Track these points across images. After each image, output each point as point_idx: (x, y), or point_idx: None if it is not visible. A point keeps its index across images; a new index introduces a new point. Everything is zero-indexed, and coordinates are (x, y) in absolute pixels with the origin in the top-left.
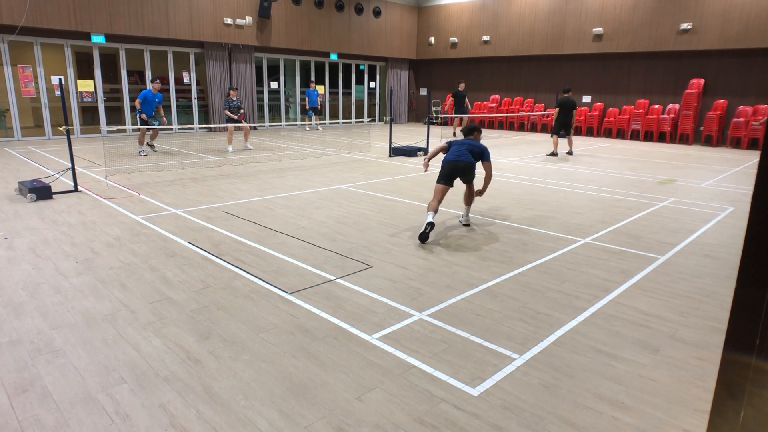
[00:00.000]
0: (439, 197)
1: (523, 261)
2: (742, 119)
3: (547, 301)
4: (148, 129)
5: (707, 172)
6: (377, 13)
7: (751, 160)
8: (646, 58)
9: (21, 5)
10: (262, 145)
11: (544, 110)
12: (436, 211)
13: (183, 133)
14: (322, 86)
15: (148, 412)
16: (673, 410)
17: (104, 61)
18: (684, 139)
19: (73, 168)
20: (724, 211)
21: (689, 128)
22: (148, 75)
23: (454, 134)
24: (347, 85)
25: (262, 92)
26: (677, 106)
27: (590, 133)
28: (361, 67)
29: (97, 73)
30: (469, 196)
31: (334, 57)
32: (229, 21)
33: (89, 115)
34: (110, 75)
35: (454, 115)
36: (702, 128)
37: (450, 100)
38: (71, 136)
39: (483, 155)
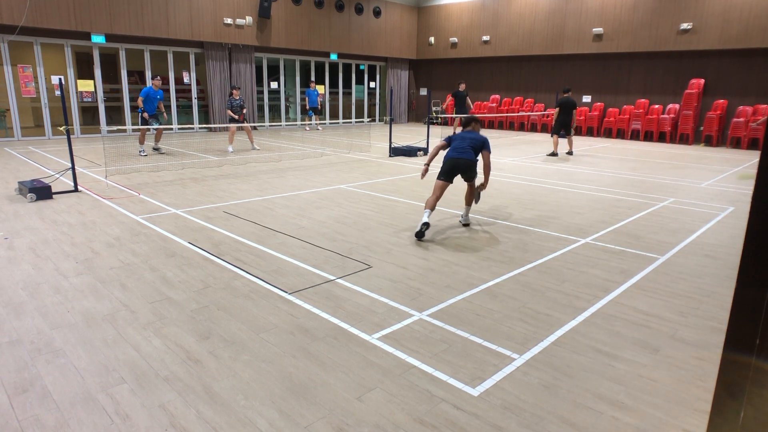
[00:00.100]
0: (438, 194)
1: (523, 261)
2: (742, 119)
3: (547, 301)
4: (149, 129)
5: (707, 172)
6: (377, 13)
7: (751, 160)
8: (646, 58)
9: (21, 5)
10: (262, 145)
11: (544, 110)
12: (433, 208)
13: (183, 133)
14: (322, 86)
15: (148, 412)
16: (673, 410)
17: (104, 61)
18: (684, 139)
19: (73, 168)
20: (724, 211)
21: (689, 128)
22: (148, 75)
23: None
24: (347, 85)
25: (262, 92)
26: (677, 106)
27: (590, 133)
28: (361, 67)
29: (97, 73)
30: (470, 195)
31: (334, 57)
32: (229, 21)
33: (89, 115)
34: (110, 75)
35: (454, 115)
36: (702, 128)
37: (450, 100)
38: (71, 136)
39: (483, 146)
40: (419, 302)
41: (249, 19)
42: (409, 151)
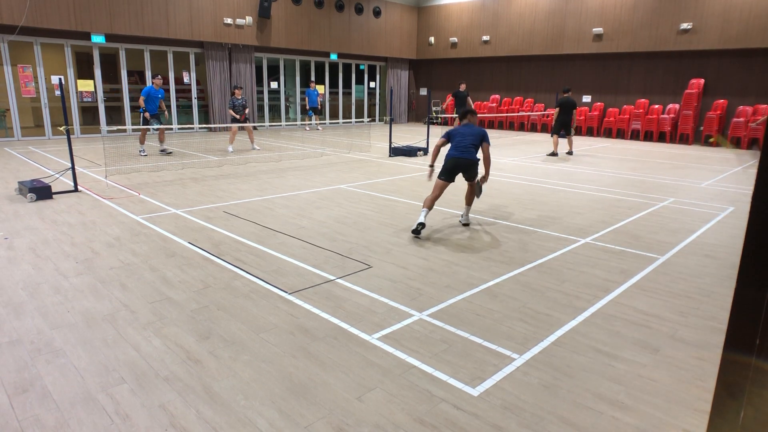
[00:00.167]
0: (438, 193)
1: (523, 261)
2: (742, 119)
3: (547, 301)
4: (149, 129)
5: (707, 172)
6: (377, 13)
7: (751, 160)
8: (646, 58)
9: (21, 5)
10: (262, 145)
11: (544, 110)
12: (430, 208)
13: (183, 133)
14: (322, 86)
15: (148, 412)
16: (673, 410)
17: (104, 61)
18: (684, 139)
19: (73, 168)
20: (724, 211)
21: (689, 128)
22: (149, 75)
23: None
24: (347, 85)
25: (262, 92)
26: (677, 106)
27: (590, 133)
28: (361, 67)
29: (97, 73)
30: (471, 195)
31: (334, 57)
32: (229, 21)
33: (89, 115)
34: (110, 75)
35: (454, 116)
36: (702, 128)
37: (450, 100)
38: (71, 136)
39: (483, 139)
40: (419, 302)
41: (249, 19)
42: (409, 151)
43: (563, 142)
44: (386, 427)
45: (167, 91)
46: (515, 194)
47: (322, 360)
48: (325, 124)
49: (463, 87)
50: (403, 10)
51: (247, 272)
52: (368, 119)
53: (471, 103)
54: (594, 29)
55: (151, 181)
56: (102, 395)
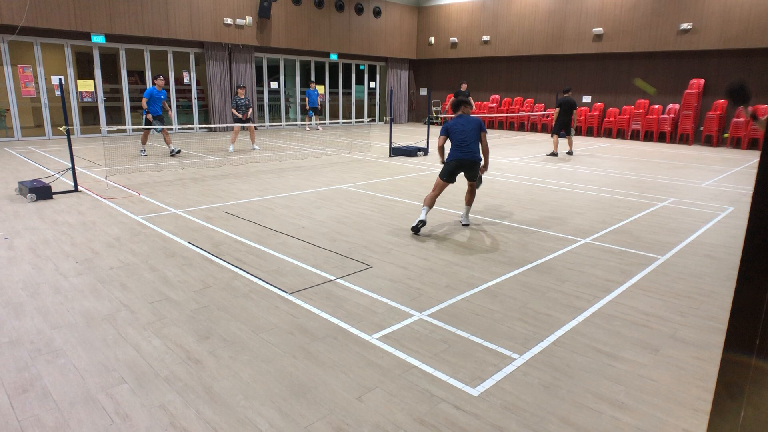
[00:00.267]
0: (438, 192)
1: (523, 261)
2: (742, 119)
3: (547, 301)
4: (152, 129)
5: (707, 172)
6: (377, 13)
7: (751, 160)
8: (646, 58)
9: (21, 5)
10: (262, 145)
11: (544, 110)
12: (431, 206)
13: (183, 133)
14: (322, 86)
15: (148, 412)
16: (673, 410)
17: (104, 61)
18: (684, 139)
19: (73, 168)
20: (724, 211)
21: (689, 128)
22: (149, 75)
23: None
24: (347, 85)
25: (262, 92)
26: (677, 106)
27: (590, 133)
28: (361, 67)
29: (97, 73)
30: (471, 195)
31: (334, 57)
32: (229, 21)
33: (89, 115)
34: (110, 75)
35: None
36: (702, 128)
37: (451, 99)
38: (71, 136)
39: (480, 129)
40: (419, 302)
41: (249, 19)
42: (409, 151)
43: (563, 142)
44: (386, 427)
45: (168, 91)
46: (515, 194)
47: (322, 360)
48: (325, 124)
49: (464, 87)
50: (403, 10)
51: (247, 272)
52: (368, 119)
53: (472, 102)
54: (594, 29)
55: (151, 181)
56: (102, 395)
